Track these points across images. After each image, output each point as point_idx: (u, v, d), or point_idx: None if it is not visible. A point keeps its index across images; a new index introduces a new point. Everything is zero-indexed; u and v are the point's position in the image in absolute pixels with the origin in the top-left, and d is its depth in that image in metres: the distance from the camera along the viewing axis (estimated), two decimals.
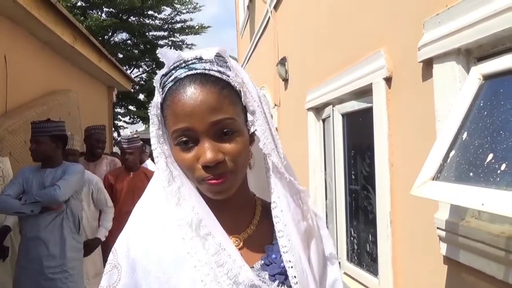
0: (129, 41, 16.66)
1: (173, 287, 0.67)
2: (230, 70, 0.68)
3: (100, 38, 13.63)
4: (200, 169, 0.66)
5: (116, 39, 16.39)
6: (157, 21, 16.36)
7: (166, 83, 0.68)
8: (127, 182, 3.44)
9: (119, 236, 0.76)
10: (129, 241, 0.73)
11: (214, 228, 0.69)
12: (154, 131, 0.72)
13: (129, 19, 15.85)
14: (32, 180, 2.57)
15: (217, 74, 0.67)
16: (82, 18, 13.23)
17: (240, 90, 0.69)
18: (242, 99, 0.69)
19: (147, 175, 3.51)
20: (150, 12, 15.75)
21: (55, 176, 2.59)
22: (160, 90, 0.69)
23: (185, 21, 16.59)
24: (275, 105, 4.72)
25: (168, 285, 0.68)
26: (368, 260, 2.44)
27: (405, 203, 1.83)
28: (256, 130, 0.70)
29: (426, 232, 1.61)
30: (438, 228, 1.49)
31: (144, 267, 0.70)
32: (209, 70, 0.66)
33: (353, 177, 2.67)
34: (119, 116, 16.82)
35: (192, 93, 0.65)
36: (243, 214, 0.77)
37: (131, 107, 17.58)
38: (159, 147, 0.72)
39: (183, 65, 0.68)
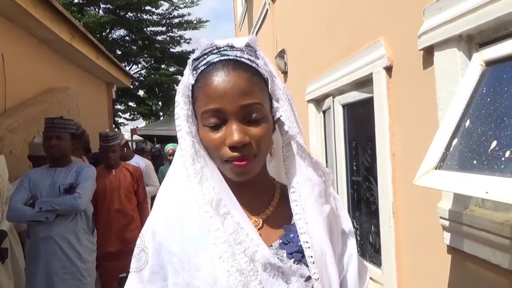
0: (127, 38, 16.61)
1: (193, 265, 0.70)
2: (259, 59, 0.72)
3: (98, 35, 13.57)
4: (226, 149, 0.69)
5: (114, 36, 16.34)
6: (154, 17, 16.29)
7: (199, 66, 0.71)
8: (110, 180, 3.33)
9: (146, 221, 0.80)
10: (155, 225, 0.77)
11: (233, 207, 0.72)
12: (183, 111, 0.74)
13: (127, 15, 15.78)
14: (41, 183, 2.51)
15: (247, 61, 0.70)
16: (79, 15, 13.17)
17: (267, 78, 0.72)
18: (269, 87, 0.73)
19: (131, 171, 3.43)
20: (147, 8, 15.67)
21: (67, 175, 2.55)
22: (193, 72, 0.72)
23: (183, 15, 16.52)
24: None
25: (188, 264, 0.71)
26: (371, 251, 2.44)
27: (407, 193, 1.82)
28: (281, 116, 0.74)
29: (429, 222, 1.60)
30: (441, 217, 1.47)
31: (168, 249, 0.73)
32: (240, 57, 0.70)
33: (354, 168, 2.66)
34: (120, 113, 16.80)
35: (224, 76, 0.68)
36: (263, 196, 0.81)
37: (131, 104, 17.56)
38: (187, 127, 0.74)
39: (215, 51, 0.71)
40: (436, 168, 1.19)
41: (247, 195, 0.77)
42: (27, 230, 2.79)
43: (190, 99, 0.73)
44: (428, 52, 1.53)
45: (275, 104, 0.74)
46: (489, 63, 1.19)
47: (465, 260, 1.40)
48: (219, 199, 0.72)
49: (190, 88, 0.73)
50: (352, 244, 0.87)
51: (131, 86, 12.03)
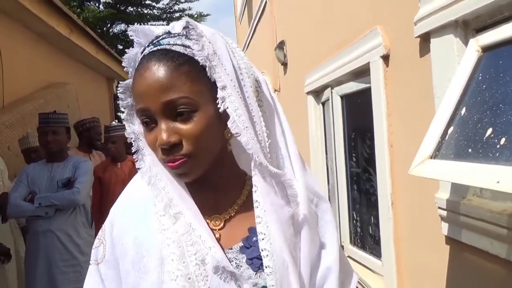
0: (128, 32, 16.55)
1: (143, 266, 0.67)
2: (197, 42, 0.64)
3: (99, 30, 13.53)
4: (159, 150, 0.65)
5: (115, 30, 16.27)
6: (155, 11, 16.19)
7: (138, 62, 0.67)
8: (115, 173, 3.33)
9: (109, 212, 0.78)
10: (113, 219, 0.74)
11: (186, 207, 0.68)
12: (126, 111, 0.72)
13: (127, 10, 15.69)
14: (39, 178, 2.52)
15: (179, 48, 0.63)
16: (78, 10, 13.11)
17: (205, 65, 0.64)
18: (208, 74, 0.64)
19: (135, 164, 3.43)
20: (148, 2, 15.58)
21: (65, 170, 2.56)
22: (134, 70, 0.67)
23: (183, 10, 16.41)
24: (275, 90, 4.66)
25: (139, 264, 0.68)
26: (371, 243, 2.42)
27: (405, 184, 1.80)
28: (227, 107, 0.65)
29: (427, 212, 1.58)
30: (439, 207, 1.45)
31: (123, 245, 0.70)
32: (173, 44, 0.64)
33: (354, 159, 2.64)
34: (122, 108, 16.81)
35: (146, 72, 0.63)
36: (227, 194, 0.74)
37: None
38: (129, 128, 0.72)
39: (154, 41, 0.66)
40: (431, 157, 1.16)
41: (208, 193, 0.72)
42: (26, 225, 2.80)
43: (130, 98, 0.70)
44: (425, 39, 1.49)
45: (220, 93, 0.65)
46: (486, 49, 1.16)
47: (463, 250, 1.38)
48: (170, 199, 0.68)
49: (132, 86, 0.67)
50: (331, 255, 0.75)
51: None
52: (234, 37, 9.93)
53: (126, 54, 0.68)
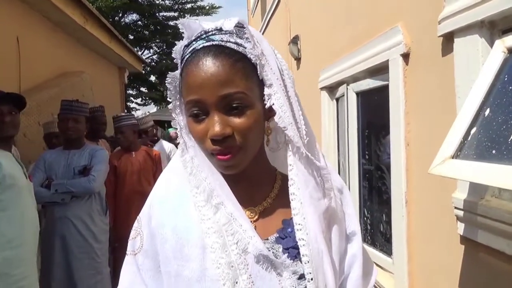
0: (139, 22, 16.57)
1: (185, 255, 0.69)
2: (248, 41, 0.66)
3: (111, 20, 13.56)
4: (209, 142, 0.66)
5: (127, 20, 16.32)
6: (167, 1, 16.20)
7: (185, 54, 0.68)
8: (130, 163, 3.38)
9: (145, 203, 0.79)
10: (151, 210, 0.76)
11: (226, 198, 0.70)
12: (172, 102, 0.74)
13: (139, 0, 15.71)
14: (56, 164, 2.57)
15: (233, 46, 0.66)
16: None
17: (256, 63, 0.66)
18: (259, 72, 0.67)
19: (150, 155, 3.47)
20: None
21: (81, 158, 2.60)
22: (181, 62, 0.69)
23: (195, 1, 16.39)
24: None
25: (180, 253, 0.69)
26: (381, 240, 2.43)
27: (421, 183, 1.80)
28: (273, 104, 0.68)
29: (442, 211, 1.58)
30: (455, 207, 1.46)
31: (162, 235, 0.72)
32: (226, 41, 0.66)
33: (366, 157, 2.64)
34: (131, 98, 16.89)
35: (204, 65, 0.64)
36: (261, 187, 0.77)
37: (142, 89, 17.62)
38: (176, 118, 0.73)
39: (203, 36, 0.67)
40: (453, 157, 1.17)
41: (243, 186, 0.74)
42: (42, 210, 2.85)
43: (178, 89, 0.71)
44: (448, 39, 1.49)
45: (266, 90, 0.68)
46: None
47: (479, 250, 1.39)
48: (211, 190, 0.70)
49: (179, 78, 0.70)
50: (356, 244, 0.81)
51: (143, 71, 12.06)
52: None
53: (175, 46, 0.70)
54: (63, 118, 2.60)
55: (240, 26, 0.67)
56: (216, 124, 0.64)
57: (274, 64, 0.70)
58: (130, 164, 3.36)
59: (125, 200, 3.23)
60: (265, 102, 0.68)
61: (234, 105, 0.65)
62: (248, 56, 0.66)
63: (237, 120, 0.65)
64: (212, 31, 0.67)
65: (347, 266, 0.79)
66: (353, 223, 0.82)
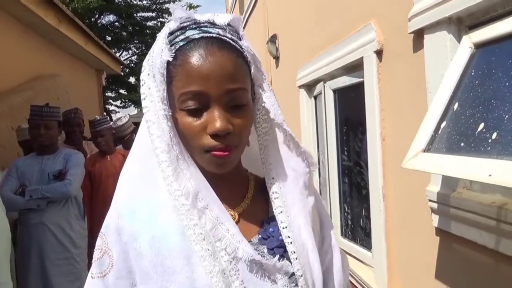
0: (116, 23, 16.30)
1: (168, 267, 0.63)
2: (242, 40, 0.65)
3: (87, 21, 13.30)
4: (207, 138, 0.62)
5: (104, 22, 16.03)
6: (144, 2, 15.98)
7: (176, 41, 0.63)
8: (105, 166, 3.32)
9: (106, 217, 0.71)
10: (120, 222, 0.67)
11: (212, 201, 0.66)
12: (156, 91, 0.64)
13: (116, 0, 15.46)
14: (30, 170, 2.49)
15: (231, 41, 0.63)
16: (68, 0, 12.87)
17: (250, 62, 0.66)
18: (252, 71, 0.66)
19: (125, 157, 3.41)
20: None
21: (56, 162, 2.54)
22: (170, 47, 0.63)
23: (173, 0, 16.23)
24: None
25: (162, 267, 0.63)
26: (361, 235, 2.46)
27: (397, 177, 1.83)
28: (265, 103, 0.68)
29: (418, 205, 1.62)
30: (430, 200, 1.49)
31: (137, 250, 0.65)
32: (224, 36, 0.63)
33: (345, 153, 2.67)
34: (110, 100, 16.60)
35: (210, 56, 0.61)
36: (237, 188, 0.75)
37: (121, 91, 17.35)
38: (163, 109, 0.64)
39: (194, 26, 0.63)
40: (424, 151, 1.19)
41: (223, 188, 0.69)
42: (18, 218, 2.77)
43: (165, 78, 0.64)
44: (418, 35, 1.52)
45: (258, 90, 0.68)
46: (478, 46, 1.19)
47: (453, 241, 1.43)
48: (196, 192, 0.64)
49: (165, 65, 0.63)
50: (329, 232, 0.81)
51: (122, 73, 11.87)
52: None
53: (163, 32, 0.65)
54: (33, 125, 2.50)
55: (230, 25, 0.65)
56: (219, 119, 0.61)
57: (259, 64, 0.69)
58: (105, 168, 3.30)
59: (101, 205, 3.17)
60: (255, 101, 0.69)
61: (238, 101, 0.63)
62: (244, 54, 0.65)
63: (237, 118, 0.63)
64: (204, 23, 0.64)
65: (327, 258, 0.79)
66: (326, 214, 0.83)
